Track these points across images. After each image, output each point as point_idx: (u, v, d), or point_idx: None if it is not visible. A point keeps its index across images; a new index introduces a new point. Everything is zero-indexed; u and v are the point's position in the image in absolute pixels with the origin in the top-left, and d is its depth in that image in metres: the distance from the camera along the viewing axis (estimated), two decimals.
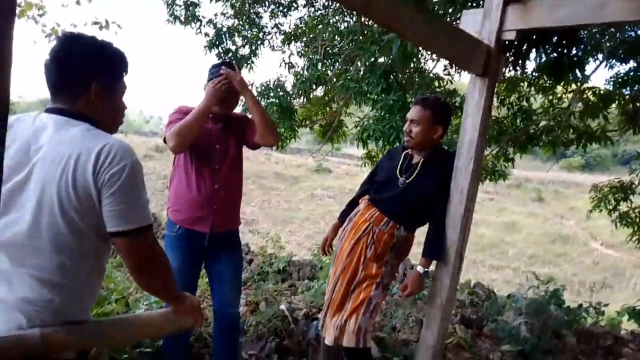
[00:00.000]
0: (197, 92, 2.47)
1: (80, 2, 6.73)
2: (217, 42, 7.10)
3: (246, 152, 2.42)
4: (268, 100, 5.98)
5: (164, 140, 2.21)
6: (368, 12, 1.49)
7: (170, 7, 7.19)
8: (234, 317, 2.37)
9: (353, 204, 2.53)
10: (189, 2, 7.16)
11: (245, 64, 7.25)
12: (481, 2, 2.38)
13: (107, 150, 1.13)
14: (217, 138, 2.26)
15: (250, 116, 2.39)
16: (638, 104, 5.75)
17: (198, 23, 7.25)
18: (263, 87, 6.18)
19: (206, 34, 7.25)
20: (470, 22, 2.17)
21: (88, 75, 1.22)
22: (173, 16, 7.23)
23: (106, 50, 1.26)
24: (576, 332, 3.73)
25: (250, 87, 2.33)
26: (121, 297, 2.60)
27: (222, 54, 7.16)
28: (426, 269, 2.29)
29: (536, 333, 3.37)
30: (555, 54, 4.10)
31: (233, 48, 7.28)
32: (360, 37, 5.45)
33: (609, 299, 8.76)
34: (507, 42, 2.10)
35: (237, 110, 2.76)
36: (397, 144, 4.37)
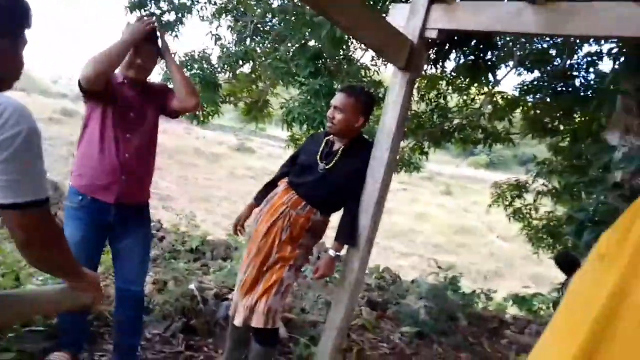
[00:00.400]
0: None
1: None
2: (139, 4, 6.65)
3: (165, 125, 2.31)
4: (191, 72, 5.75)
5: (79, 83, 2.01)
6: None
7: None
8: (138, 296, 2.26)
9: (270, 185, 2.52)
10: None
11: (170, 32, 6.89)
12: None
13: (0, 111, 1.00)
14: (133, 104, 2.13)
15: (170, 86, 2.28)
16: (539, 111, 6.36)
17: None
18: (187, 58, 5.92)
19: None
20: (397, 16, 2.23)
21: None
22: None
23: (7, 1, 1.11)
24: (468, 316, 4.09)
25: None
26: (10, 270, 2.37)
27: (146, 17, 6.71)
28: (338, 253, 2.36)
29: (434, 316, 3.64)
30: (472, 57, 4.39)
31: (157, 12, 6.87)
32: (292, 18, 5.40)
33: (500, 286, 9.65)
34: (430, 40, 2.18)
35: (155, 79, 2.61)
36: (322, 128, 4.42)
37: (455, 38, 3.86)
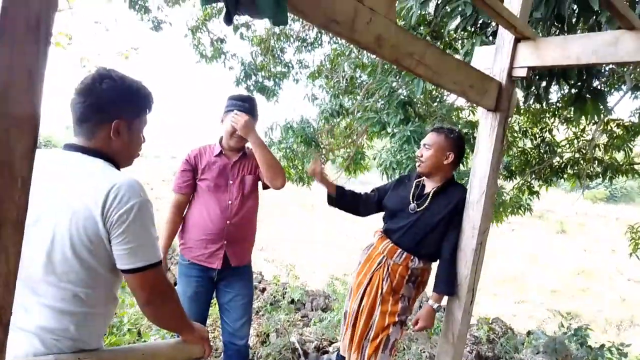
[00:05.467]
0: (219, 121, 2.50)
1: (109, 29, 7.10)
2: (245, 77, 7.34)
3: None
4: (293, 136, 6.03)
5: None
6: (378, 50, 1.52)
7: (196, 47, 7.47)
8: (243, 349, 2.36)
9: (353, 195, 2.48)
10: (216, 39, 7.43)
11: (270, 96, 7.48)
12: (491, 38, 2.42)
13: (115, 190, 1.15)
14: (232, 173, 2.30)
15: None
16: None
17: (223, 56, 7.52)
18: (288, 123, 6.26)
19: (231, 68, 7.52)
20: (482, 58, 2.20)
21: (112, 112, 1.25)
22: (200, 55, 7.52)
23: (133, 89, 1.30)
24: None
25: (255, 129, 2.28)
26: (133, 326, 2.63)
27: (252, 86, 7.38)
28: (438, 304, 2.26)
29: None
30: (576, 88, 4.08)
31: (260, 80, 7.52)
32: (380, 70, 5.53)
33: (637, 337, 8.35)
34: (519, 78, 2.11)
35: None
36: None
37: (556, 70, 3.64)
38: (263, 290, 4.85)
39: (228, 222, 2.24)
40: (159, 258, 1.24)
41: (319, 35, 7.31)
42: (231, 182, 2.28)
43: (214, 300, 2.47)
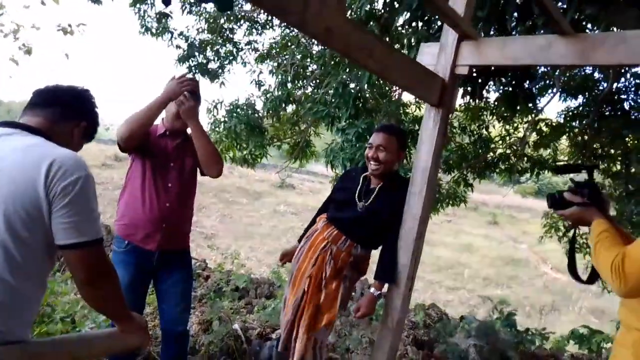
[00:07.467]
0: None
1: (45, 2, 6.58)
2: (188, 56, 7.11)
3: None
4: (238, 119, 5.96)
5: (117, 142, 2.16)
6: (328, 40, 1.53)
7: (142, 18, 7.13)
8: (182, 336, 2.32)
9: (311, 225, 2.55)
10: (160, 14, 7.13)
11: (216, 79, 7.28)
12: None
13: (60, 161, 1.12)
14: (173, 155, 2.24)
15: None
16: (587, 137, 6.14)
17: (169, 35, 7.23)
18: (232, 106, 6.15)
19: (177, 46, 7.25)
20: (427, 55, 2.27)
21: (85, 114, 1.41)
22: (145, 27, 7.19)
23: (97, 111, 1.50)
24: (522, 355, 3.86)
25: (198, 116, 2.23)
26: (67, 315, 2.49)
27: (194, 67, 7.15)
28: (379, 292, 2.33)
29: (484, 355, 3.47)
30: (511, 87, 4.33)
31: (204, 61, 7.29)
32: (331, 62, 5.54)
33: (557, 321, 9.07)
34: (461, 76, 2.20)
35: None
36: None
37: (492, 69, 3.84)
38: (207, 278, 4.78)
39: (167, 204, 2.18)
40: (101, 235, 1.21)
41: (270, 17, 7.22)
42: (172, 164, 2.23)
43: (152, 290, 2.41)
